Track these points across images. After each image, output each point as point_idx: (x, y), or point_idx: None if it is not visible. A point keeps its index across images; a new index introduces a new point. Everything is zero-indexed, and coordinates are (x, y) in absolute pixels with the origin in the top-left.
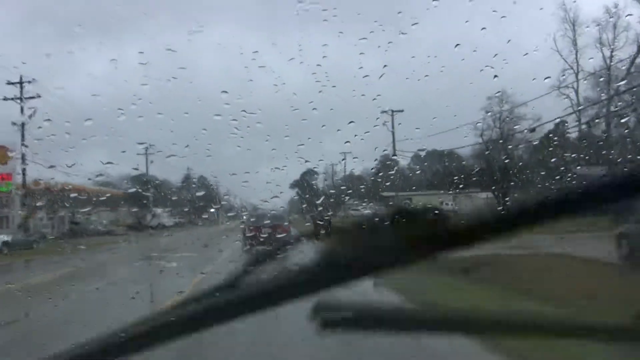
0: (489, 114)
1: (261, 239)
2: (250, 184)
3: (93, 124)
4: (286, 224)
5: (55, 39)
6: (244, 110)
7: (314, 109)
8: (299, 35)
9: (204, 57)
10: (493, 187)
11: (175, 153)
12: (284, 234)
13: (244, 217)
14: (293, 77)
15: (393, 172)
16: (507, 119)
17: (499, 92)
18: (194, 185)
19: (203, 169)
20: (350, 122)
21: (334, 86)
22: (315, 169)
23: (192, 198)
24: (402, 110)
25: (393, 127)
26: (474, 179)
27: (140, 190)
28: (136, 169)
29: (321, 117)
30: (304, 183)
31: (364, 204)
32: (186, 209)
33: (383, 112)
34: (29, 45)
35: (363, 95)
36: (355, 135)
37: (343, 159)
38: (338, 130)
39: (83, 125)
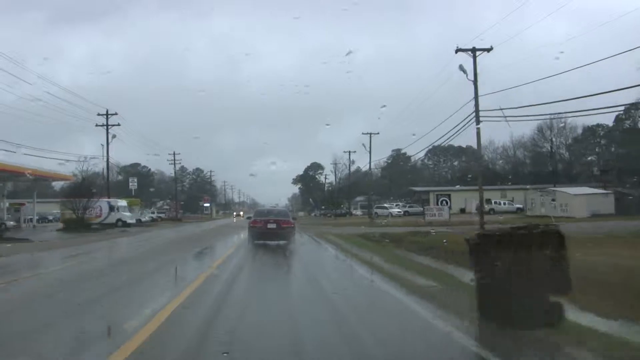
0: None
1: (268, 233)
2: (249, 177)
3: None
4: (290, 219)
5: (41, 24)
6: (242, 100)
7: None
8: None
9: (195, 45)
10: None
11: (169, 144)
12: (290, 228)
13: (242, 212)
14: (296, 63)
15: (417, 163)
16: None
17: None
18: (188, 177)
19: (198, 161)
20: None
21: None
22: (321, 163)
23: (178, 190)
24: (490, 49)
25: (475, 74)
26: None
27: (95, 174)
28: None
29: (328, 104)
30: (308, 178)
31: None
32: (171, 201)
33: (459, 50)
34: (15, 29)
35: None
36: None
37: (367, 143)
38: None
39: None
